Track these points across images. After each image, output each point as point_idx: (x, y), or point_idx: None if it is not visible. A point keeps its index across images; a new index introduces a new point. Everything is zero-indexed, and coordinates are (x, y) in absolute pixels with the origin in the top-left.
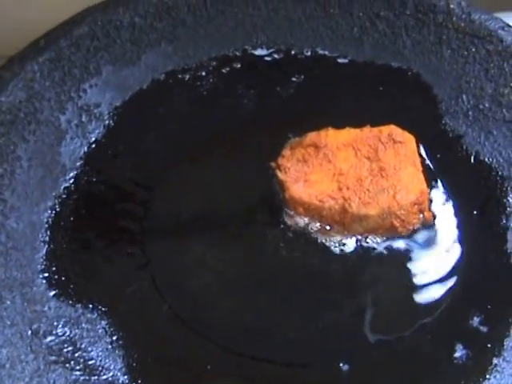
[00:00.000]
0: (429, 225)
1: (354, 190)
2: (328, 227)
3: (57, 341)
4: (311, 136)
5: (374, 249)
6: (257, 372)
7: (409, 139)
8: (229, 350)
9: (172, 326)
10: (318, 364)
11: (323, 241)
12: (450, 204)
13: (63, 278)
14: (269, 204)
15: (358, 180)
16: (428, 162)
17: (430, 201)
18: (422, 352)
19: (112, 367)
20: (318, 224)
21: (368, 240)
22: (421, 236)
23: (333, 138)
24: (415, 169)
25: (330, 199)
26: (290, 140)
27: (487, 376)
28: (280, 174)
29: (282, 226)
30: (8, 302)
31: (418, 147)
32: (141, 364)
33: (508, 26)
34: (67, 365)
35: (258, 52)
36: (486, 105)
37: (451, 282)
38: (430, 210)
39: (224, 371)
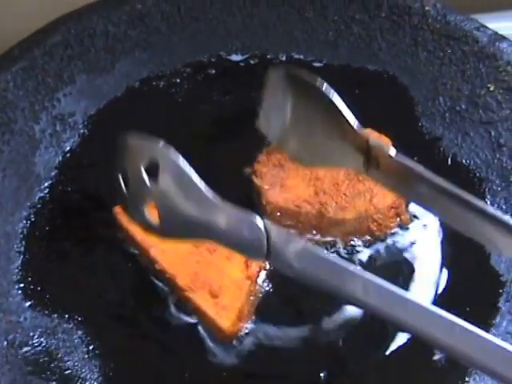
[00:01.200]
0: (406, 227)
1: (331, 194)
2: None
3: (33, 351)
4: None
5: (354, 253)
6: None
7: (385, 143)
8: (206, 360)
9: (149, 335)
10: (299, 374)
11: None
12: None
13: (39, 289)
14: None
15: (334, 184)
16: None
17: (407, 204)
18: (402, 355)
19: (88, 377)
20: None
21: (348, 243)
22: (399, 240)
23: None
24: None
25: (307, 204)
26: (266, 145)
27: (466, 379)
28: (256, 180)
29: None
30: None
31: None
32: (117, 373)
33: (483, 26)
34: (43, 375)
35: (233, 58)
36: (463, 106)
37: (430, 284)
38: (406, 212)
39: (202, 380)
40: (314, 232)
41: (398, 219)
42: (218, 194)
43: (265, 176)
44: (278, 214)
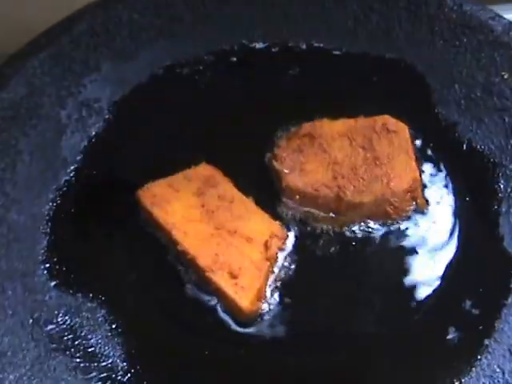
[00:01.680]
0: (422, 211)
1: (349, 178)
2: (324, 215)
3: (57, 329)
4: (306, 126)
5: (371, 233)
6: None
7: (402, 128)
8: (226, 339)
9: (170, 315)
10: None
11: (319, 229)
12: (443, 191)
13: (64, 269)
14: (266, 193)
15: (352, 169)
16: (421, 150)
17: (424, 188)
18: (416, 334)
19: (111, 354)
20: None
21: (365, 226)
22: (415, 223)
23: (328, 128)
24: (408, 157)
25: (325, 188)
26: (286, 131)
27: (479, 357)
28: (276, 164)
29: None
30: (10, 292)
31: (411, 136)
32: (140, 351)
33: (498, 15)
34: (67, 352)
35: (255, 46)
36: (478, 93)
37: (445, 267)
38: (422, 196)
39: (222, 358)
40: (332, 215)
41: (414, 203)
42: (240, 178)
43: (285, 160)
44: (297, 197)
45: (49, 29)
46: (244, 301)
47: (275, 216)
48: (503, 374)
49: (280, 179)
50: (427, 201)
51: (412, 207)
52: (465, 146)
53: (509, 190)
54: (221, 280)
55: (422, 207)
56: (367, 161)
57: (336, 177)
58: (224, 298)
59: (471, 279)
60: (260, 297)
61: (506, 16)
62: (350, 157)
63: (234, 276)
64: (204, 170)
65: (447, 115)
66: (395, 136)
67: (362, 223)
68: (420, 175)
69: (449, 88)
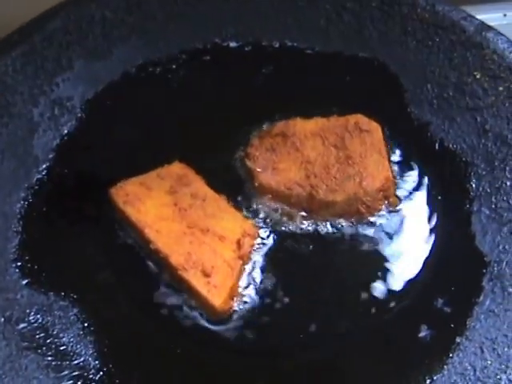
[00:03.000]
0: (394, 210)
1: (321, 177)
2: (296, 213)
3: (29, 327)
4: (279, 125)
5: (343, 231)
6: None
7: (375, 128)
8: (198, 337)
9: (142, 313)
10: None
11: (292, 228)
12: (415, 190)
13: (36, 267)
14: (238, 192)
15: (325, 168)
16: (394, 149)
17: (396, 187)
18: (388, 332)
19: (83, 352)
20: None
21: (338, 225)
22: (387, 222)
23: (300, 127)
24: (381, 156)
25: (298, 186)
26: (259, 129)
27: (450, 354)
28: (249, 163)
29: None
30: None
31: (384, 136)
32: (112, 350)
33: (470, 16)
34: (39, 350)
35: (228, 44)
36: (450, 93)
37: (417, 265)
38: (395, 195)
39: (194, 356)
40: (304, 214)
41: (387, 202)
42: (212, 177)
43: (257, 159)
44: (270, 195)
45: (21, 27)
46: (217, 299)
47: (248, 215)
48: (474, 371)
49: (253, 178)
50: (400, 199)
51: (384, 206)
52: (437, 146)
53: (480, 189)
54: (193, 278)
55: (394, 206)
56: (340, 160)
57: (309, 176)
58: (197, 296)
59: (443, 277)
60: (232, 295)
61: (478, 16)
62: (322, 156)
63: (206, 274)
64: (177, 168)
65: (420, 115)
66: (368, 135)
67: (334, 222)
68: (392, 174)
69: (421, 87)
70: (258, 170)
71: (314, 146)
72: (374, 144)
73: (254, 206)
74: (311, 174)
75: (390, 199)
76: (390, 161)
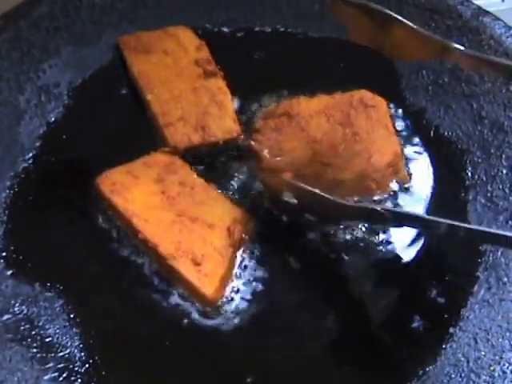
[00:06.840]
0: (405, 184)
1: (329, 156)
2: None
3: (14, 319)
4: (284, 105)
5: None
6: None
7: (380, 103)
8: (187, 328)
9: (130, 304)
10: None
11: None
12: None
13: (21, 257)
14: (233, 177)
15: (331, 146)
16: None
17: (404, 162)
18: (381, 322)
19: (69, 344)
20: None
21: None
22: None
23: (305, 105)
24: (388, 131)
25: (306, 167)
26: (262, 111)
27: (444, 345)
28: (255, 145)
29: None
30: None
31: (390, 110)
32: (98, 341)
33: (467, 0)
34: (24, 342)
35: (220, 30)
36: (446, 79)
37: (411, 254)
38: (404, 170)
39: (183, 347)
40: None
41: (396, 178)
42: (218, 162)
43: (263, 140)
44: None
45: (7, 12)
46: (208, 288)
47: (240, 202)
48: (468, 362)
49: (259, 160)
50: (410, 174)
51: (394, 182)
52: (432, 133)
53: (476, 176)
54: (183, 267)
55: (404, 181)
56: (346, 137)
57: (316, 155)
58: (187, 285)
59: (437, 267)
60: (224, 284)
61: (475, 1)
62: (328, 134)
63: (197, 263)
64: (163, 155)
65: (415, 101)
66: (373, 110)
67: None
68: (401, 148)
69: (417, 73)
70: (265, 151)
71: (320, 125)
72: (380, 119)
73: (246, 194)
74: (318, 153)
75: (400, 174)
76: (397, 135)
